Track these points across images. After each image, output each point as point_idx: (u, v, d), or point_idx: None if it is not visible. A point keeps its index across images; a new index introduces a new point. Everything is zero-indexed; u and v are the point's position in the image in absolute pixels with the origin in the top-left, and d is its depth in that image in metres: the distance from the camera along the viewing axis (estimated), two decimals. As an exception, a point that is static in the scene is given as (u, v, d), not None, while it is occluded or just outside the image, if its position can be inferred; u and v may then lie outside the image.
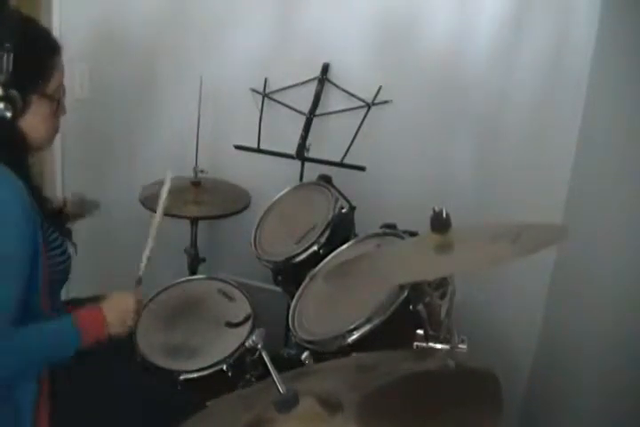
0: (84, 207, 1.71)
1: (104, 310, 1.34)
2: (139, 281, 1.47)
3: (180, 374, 1.60)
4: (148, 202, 2.10)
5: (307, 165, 2.16)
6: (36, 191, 1.31)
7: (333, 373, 1.17)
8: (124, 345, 1.63)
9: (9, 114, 1.23)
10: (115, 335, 1.35)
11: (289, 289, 1.81)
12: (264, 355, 1.02)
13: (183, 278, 1.95)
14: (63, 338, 1.28)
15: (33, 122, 1.29)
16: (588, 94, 1.97)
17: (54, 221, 1.37)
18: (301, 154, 2.11)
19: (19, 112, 1.25)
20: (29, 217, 1.21)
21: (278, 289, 1.92)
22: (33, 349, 1.24)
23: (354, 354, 1.37)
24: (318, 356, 1.41)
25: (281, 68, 2.24)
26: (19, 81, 1.23)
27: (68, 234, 1.43)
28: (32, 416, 1.27)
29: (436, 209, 1.08)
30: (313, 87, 2.19)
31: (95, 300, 1.41)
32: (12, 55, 1.21)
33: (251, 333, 1.66)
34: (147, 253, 1.48)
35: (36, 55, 1.27)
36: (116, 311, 1.36)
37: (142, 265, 1.48)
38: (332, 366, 1.25)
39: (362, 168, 2.09)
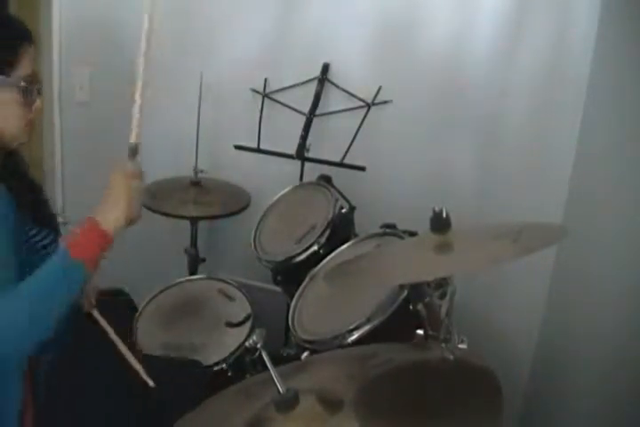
0: None
1: (96, 213, 1.17)
2: (132, 151, 1.24)
3: (180, 374, 1.60)
4: (148, 202, 2.11)
5: (307, 165, 2.16)
6: (16, 187, 1.29)
7: (332, 364, 1.17)
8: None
9: None
10: (126, 222, 1.18)
11: (289, 289, 1.81)
12: (264, 355, 1.02)
13: (183, 278, 1.95)
14: (65, 272, 1.14)
15: None
16: (588, 94, 1.97)
17: (36, 213, 1.36)
18: (301, 154, 2.11)
19: None
20: None
21: (278, 289, 1.92)
22: (41, 295, 1.11)
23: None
24: (318, 356, 1.42)
25: (281, 68, 2.24)
26: None
27: (51, 224, 1.42)
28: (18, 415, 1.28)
29: (436, 209, 1.08)
30: (313, 87, 2.19)
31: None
32: None
33: (251, 333, 1.66)
34: (136, 113, 1.27)
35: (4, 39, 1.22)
36: (110, 201, 1.19)
37: (133, 131, 1.25)
38: (330, 356, 1.26)
39: (362, 168, 2.09)
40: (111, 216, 1.17)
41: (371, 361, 1.12)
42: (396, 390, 1.00)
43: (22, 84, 1.24)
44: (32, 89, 1.27)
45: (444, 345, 1.15)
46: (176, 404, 1.25)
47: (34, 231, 1.35)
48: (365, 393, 0.98)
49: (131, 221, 1.19)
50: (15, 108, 1.25)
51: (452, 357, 1.09)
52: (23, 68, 1.25)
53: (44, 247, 1.35)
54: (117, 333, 1.45)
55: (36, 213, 1.36)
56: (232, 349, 1.65)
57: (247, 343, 1.11)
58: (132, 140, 1.25)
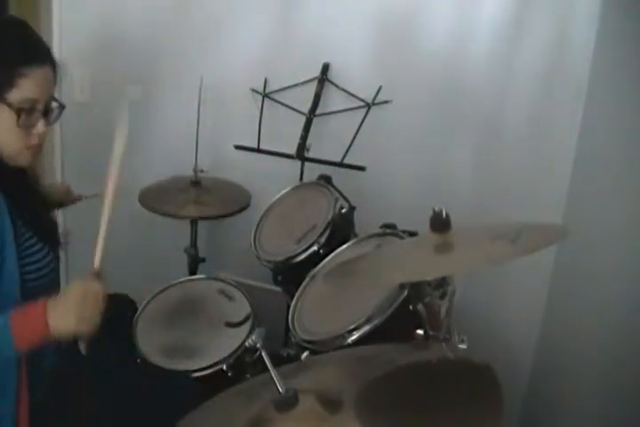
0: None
1: (49, 307, 1.18)
2: (95, 273, 1.24)
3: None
4: (148, 202, 2.11)
5: (307, 165, 2.16)
6: (14, 195, 1.29)
7: (333, 364, 1.17)
8: (123, 345, 1.64)
9: None
10: (64, 335, 1.18)
11: (289, 289, 1.81)
12: (264, 355, 1.02)
13: (183, 278, 1.95)
14: None
15: None
16: (587, 94, 1.97)
17: (38, 225, 1.35)
18: (301, 154, 2.12)
19: None
20: None
21: (278, 289, 1.92)
22: None
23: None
24: (318, 356, 1.42)
25: (281, 68, 2.24)
26: None
27: (51, 239, 1.41)
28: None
29: (436, 209, 1.08)
30: (313, 87, 2.19)
31: None
32: None
33: (251, 333, 1.66)
34: (101, 238, 1.26)
35: (3, 57, 1.23)
36: (62, 306, 1.18)
37: (97, 256, 1.26)
38: (331, 357, 1.26)
39: (362, 168, 2.10)
40: (61, 324, 1.18)
41: (371, 361, 1.12)
42: (397, 389, 1.00)
43: (17, 105, 1.23)
44: (31, 112, 1.26)
45: (444, 345, 1.15)
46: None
47: (32, 241, 1.33)
48: (366, 393, 0.98)
49: (79, 332, 1.20)
50: (11, 128, 1.25)
51: (452, 355, 1.09)
52: (23, 91, 1.24)
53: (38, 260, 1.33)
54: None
55: (36, 229, 1.34)
56: (232, 349, 1.65)
57: (247, 343, 1.11)
58: (96, 264, 1.26)
